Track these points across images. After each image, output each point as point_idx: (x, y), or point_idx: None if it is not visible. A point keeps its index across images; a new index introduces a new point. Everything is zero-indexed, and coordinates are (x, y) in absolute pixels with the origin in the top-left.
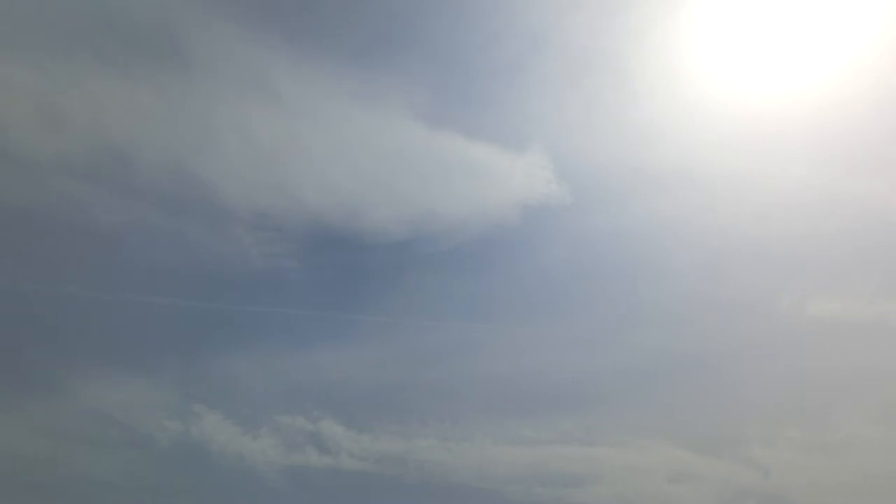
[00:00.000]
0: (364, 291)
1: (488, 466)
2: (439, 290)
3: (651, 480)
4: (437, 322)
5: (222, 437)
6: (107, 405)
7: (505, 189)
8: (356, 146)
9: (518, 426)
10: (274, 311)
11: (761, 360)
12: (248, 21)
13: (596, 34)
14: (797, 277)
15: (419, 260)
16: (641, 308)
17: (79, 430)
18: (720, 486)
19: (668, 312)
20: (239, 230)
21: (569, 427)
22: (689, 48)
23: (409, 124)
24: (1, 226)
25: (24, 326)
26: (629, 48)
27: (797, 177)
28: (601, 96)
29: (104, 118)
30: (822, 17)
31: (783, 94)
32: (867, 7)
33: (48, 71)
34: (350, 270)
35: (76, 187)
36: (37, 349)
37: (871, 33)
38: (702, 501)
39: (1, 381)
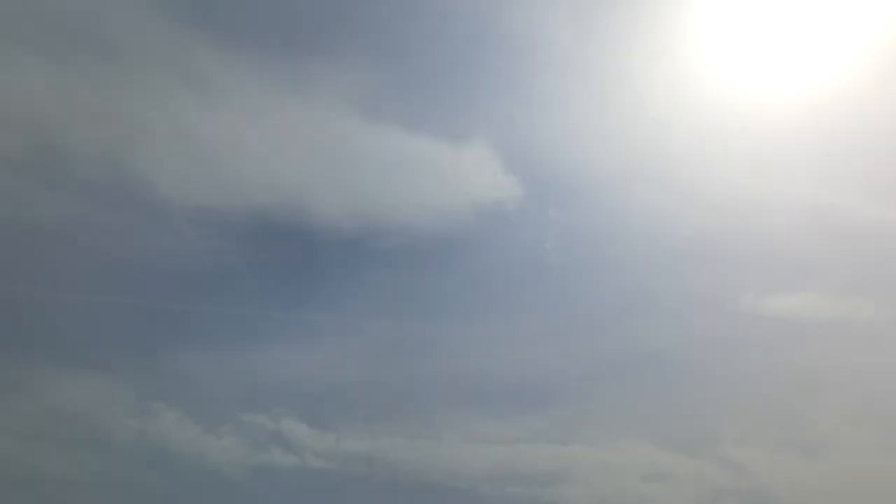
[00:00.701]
0: (313, 288)
1: (459, 465)
2: (393, 287)
3: (625, 479)
4: (393, 320)
5: (181, 436)
6: (58, 403)
7: (452, 184)
8: (295, 140)
9: (487, 424)
10: (222, 310)
11: (730, 359)
12: (182, 14)
13: (544, 26)
14: (766, 275)
15: (369, 256)
16: (607, 305)
17: (34, 428)
18: (697, 486)
19: (632, 310)
20: (180, 225)
21: (538, 425)
22: (638, 39)
23: (349, 117)
24: None
25: None
26: (579, 41)
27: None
28: (550, 90)
29: (37, 113)
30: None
31: (734, 85)
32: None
33: None
34: (296, 267)
35: (11, 184)
36: None
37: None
38: (679, 501)
39: None
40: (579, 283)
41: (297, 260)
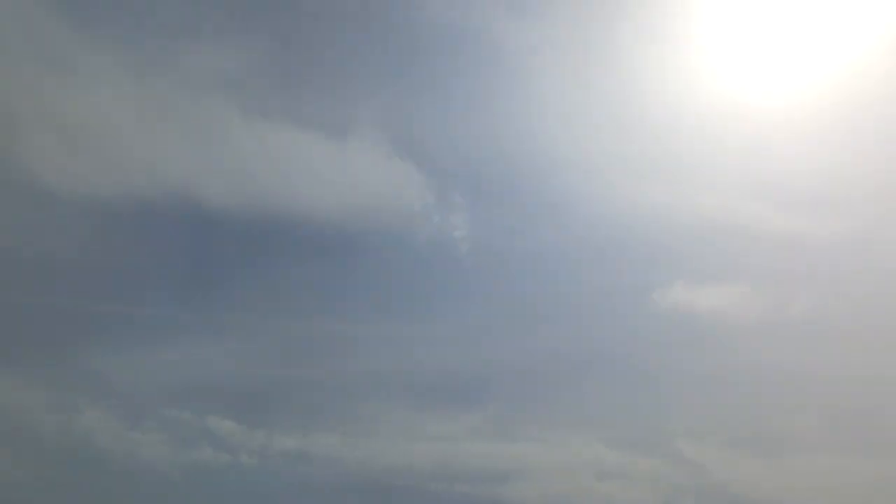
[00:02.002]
0: (219, 283)
1: (403, 462)
2: (301, 282)
3: (579, 478)
4: (307, 316)
5: (105, 434)
6: None
7: (343, 175)
8: (175, 127)
9: (424, 421)
10: (124, 307)
11: (667, 356)
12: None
13: (436, 13)
14: (700, 271)
15: (270, 249)
16: (529, 302)
17: None
18: (653, 484)
19: (558, 306)
20: (66, 217)
21: (477, 422)
22: (550, 30)
23: (228, 105)
24: None
25: None
26: (488, 31)
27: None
28: (447, 82)
29: None
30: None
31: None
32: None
33: None
34: (198, 261)
35: None
36: None
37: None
38: (636, 499)
39: None
40: (495, 278)
41: (197, 254)
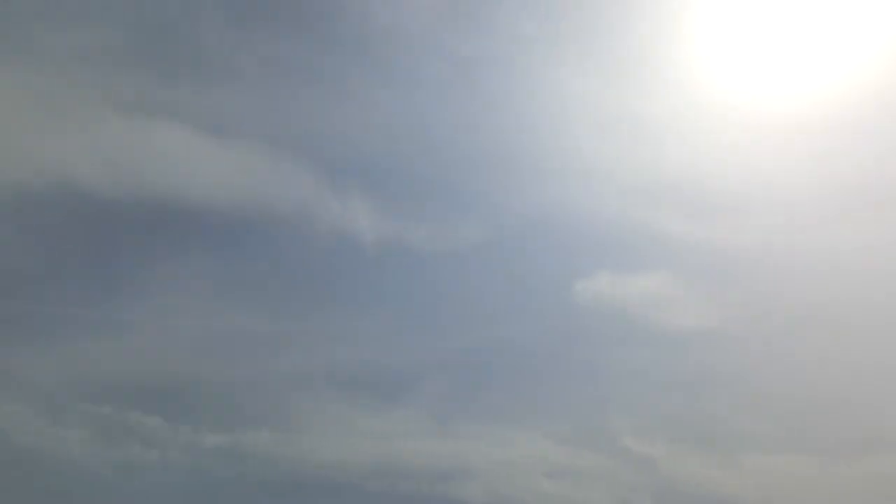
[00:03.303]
0: (123, 277)
1: (339, 460)
2: (207, 279)
3: (527, 476)
4: (222, 311)
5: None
6: None
7: (232, 171)
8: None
9: (358, 418)
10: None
11: (605, 352)
12: None
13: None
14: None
15: (166, 245)
16: (439, 296)
17: None
18: (606, 482)
19: (473, 300)
20: None
21: (412, 419)
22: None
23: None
24: None
25: None
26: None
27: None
28: (344, 76)
29: None
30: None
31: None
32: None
33: None
34: (83, 255)
35: None
36: None
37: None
38: (591, 499)
39: None
40: (404, 273)
41: (88, 249)
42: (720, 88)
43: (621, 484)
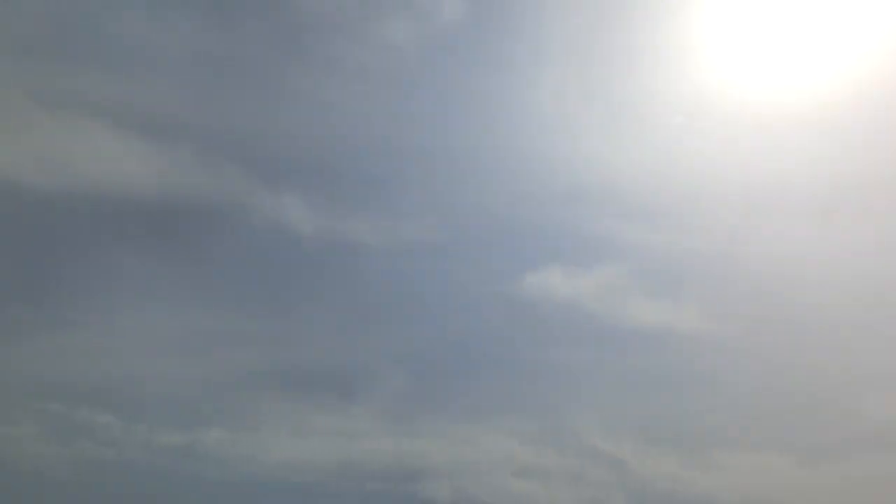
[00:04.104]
0: (49, 276)
1: (300, 460)
2: (143, 275)
3: (494, 475)
4: (169, 307)
5: None
6: None
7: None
8: None
9: (317, 417)
10: None
11: (571, 352)
12: None
13: None
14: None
15: (102, 242)
16: (392, 293)
17: None
18: (576, 481)
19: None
20: None
21: (370, 417)
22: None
23: None
24: None
25: None
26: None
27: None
28: (279, 68)
29: None
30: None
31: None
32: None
33: None
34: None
35: None
36: None
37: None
38: (562, 498)
39: None
40: (352, 269)
41: (26, 245)
42: (679, 87)
43: (593, 484)
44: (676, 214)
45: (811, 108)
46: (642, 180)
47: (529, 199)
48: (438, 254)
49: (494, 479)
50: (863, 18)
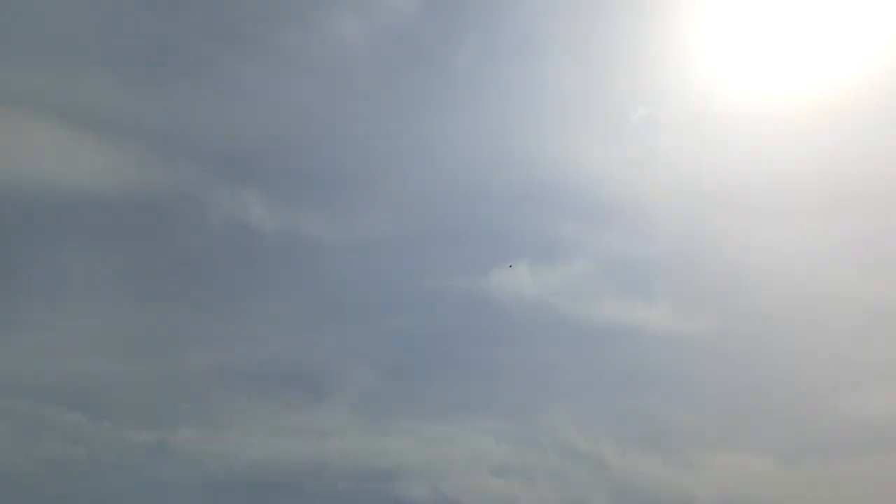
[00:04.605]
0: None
1: (272, 459)
2: (101, 271)
3: (473, 474)
4: (114, 308)
5: None
6: None
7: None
8: None
9: (283, 415)
10: None
11: (540, 349)
12: None
13: None
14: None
15: (57, 241)
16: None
17: None
18: (557, 481)
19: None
20: None
21: (341, 416)
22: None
23: None
24: None
25: None
26: None
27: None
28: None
29: None
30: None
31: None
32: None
33: None
34: None
35: None
36: None
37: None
38: (544, 498)
39: None
40: (309, 265)
41: None
42: (642, 85)
43: (575, 483)
44: (644, 213)
45: (784, 109)
46: (607, 179)
47: (491, 196)
48: (400, 250)
49: (472, 478)
50: (826, 24)
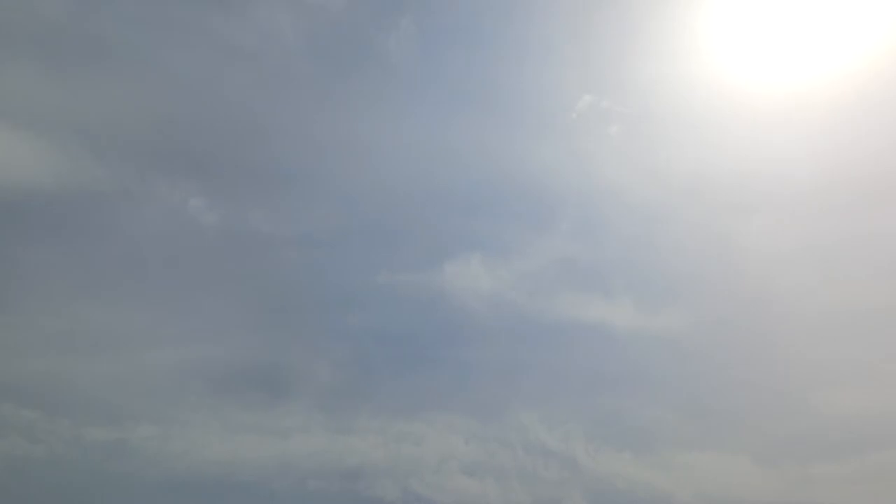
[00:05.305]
0: None
1: (236, 458)
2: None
3: (442, 472)
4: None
5: None
6: None
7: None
8: None
9: (244, 414)
10: None
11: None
12: None
13: None
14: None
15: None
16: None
17: None
18: (526, 479)
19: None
20: None
21: (302, 414)
22: None
23: None
24: None
25: None
26: None
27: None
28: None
29: None
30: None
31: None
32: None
33: None
34: None
35: None
36: None
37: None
38: (518, 497)
39: None
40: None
41: None
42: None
43: (548, 482)
44: (596, 206)
45: (745, 98)
46: (554, 170)
47: (439, 190)
48: (348, 245)
49: (442, 476)
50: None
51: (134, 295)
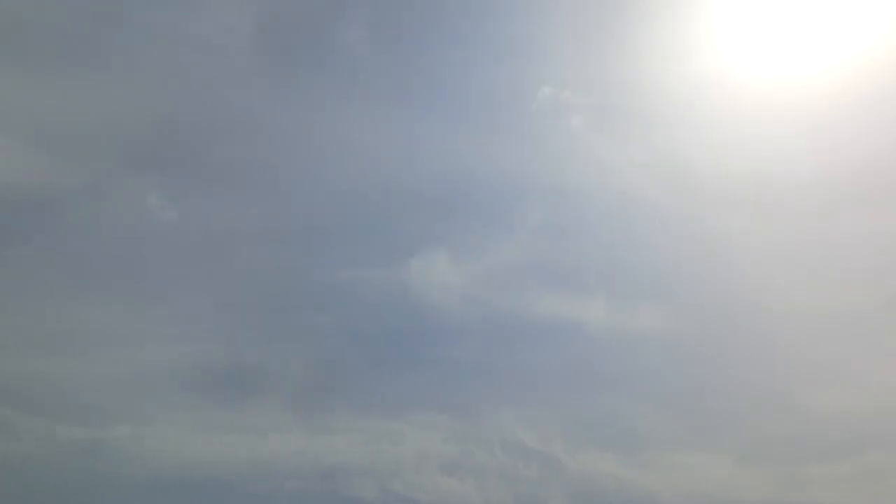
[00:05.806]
0: None
1: (211, 458)
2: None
3: (421, 472)
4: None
5: None
6: None
7: None
8: None
9: (217, 413)
10: None
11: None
12: None
13: None
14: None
15: None
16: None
17: None
18: (506, 478)
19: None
20: None
21: (276, 413)
22: None
23: None
24: None
25: None
26: None
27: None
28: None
29: None
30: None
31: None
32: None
33: None
34: None
35: None
36: None
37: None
38: (498, 497)
39: None
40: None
41: None
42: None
43: (528, 481)
44: (562, 201)
45: (715, 88)
46: (515, 164)
47: (399, 185)
48: (308, 241)
49: (421, 476)
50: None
51: (107, 294)
